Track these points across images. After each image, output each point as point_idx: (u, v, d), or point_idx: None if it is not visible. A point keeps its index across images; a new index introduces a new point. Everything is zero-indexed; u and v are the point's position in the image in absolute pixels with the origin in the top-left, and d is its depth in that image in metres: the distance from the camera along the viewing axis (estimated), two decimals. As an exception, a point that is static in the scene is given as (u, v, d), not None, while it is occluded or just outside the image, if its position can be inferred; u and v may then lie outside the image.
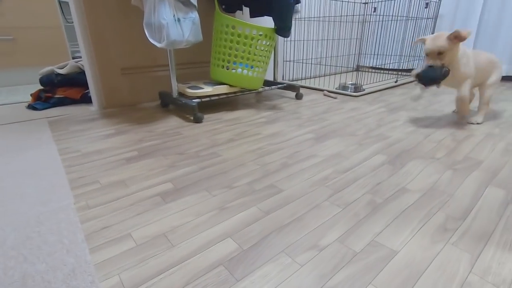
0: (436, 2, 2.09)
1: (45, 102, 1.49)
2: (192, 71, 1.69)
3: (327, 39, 2.28)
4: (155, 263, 0.47)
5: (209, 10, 1.58)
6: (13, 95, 1.82)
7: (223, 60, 1.33)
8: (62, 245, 0.50)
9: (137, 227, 0.56)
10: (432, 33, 2.14)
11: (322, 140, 0.99)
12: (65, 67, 1.54)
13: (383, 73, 2.39)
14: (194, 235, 0.53)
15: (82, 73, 1.54)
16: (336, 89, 1.81)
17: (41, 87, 1.56)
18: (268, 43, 1.34)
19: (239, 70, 1.34)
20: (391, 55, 2.34)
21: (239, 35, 1.27)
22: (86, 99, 1.55)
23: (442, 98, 1.60)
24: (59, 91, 1.52)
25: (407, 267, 0.45)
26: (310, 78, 2.29)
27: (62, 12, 2.35)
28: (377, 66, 2.51)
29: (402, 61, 2.30)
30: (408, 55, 2.32)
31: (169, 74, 1.58)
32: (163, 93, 1.43)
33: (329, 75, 2.44)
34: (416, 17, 2.15)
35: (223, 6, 1.50)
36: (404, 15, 2.15)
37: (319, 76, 2.36)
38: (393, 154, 0.88)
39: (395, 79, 2.08)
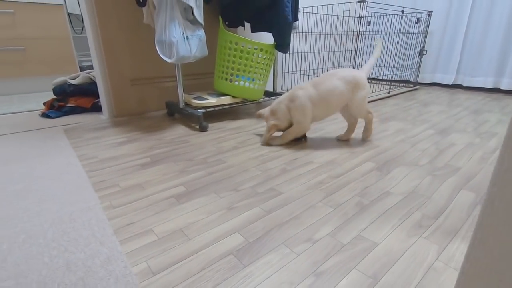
0: (426, 18, 2.22)
1: (58, 110, 1.58)
2: (196, 82, 1.79)
3: (323, 51, 2.40)
4: (175, 253, 0.56)
5: (213, 25, 1.69)
6: (25, 103, 1.91)
7: (227, 73, 1.44)
8: (95, 238, 0.59)
9: (157, 224, 0.65)
10: (422, 47, 2.26)
11: (318, 148, 1.09)
12: (77, 78, 1.64)
13: (377, 84, 2.50)
14: (207, 230, 0.63)
15: (93, 83, 1.64)
16: (332, 99, 1.91)
17: (54, 96, 1.66)
18: (268, 58, 1.45)
19: (241, 82, 1.44)
20: (384, 66, 2.46)
21: (241, 51, 1.38)
22: (96, 108, 1.64)
23: (431, 109, 1.71)
24: (71, 100, 1.62)
25: (385, 255, 0.54)
26: (308, 88, 2.40)
27: (71, 23, 2.46)
28: (371, 77, 2.63)
29: (394, 72, 2.42)
30: (400, 66, 2.44)
31: (176, 85, 1.69)
32: (169, 103, 1.52)
33: (326, 85, 2.55)
34: (408, 32, 2.28)
35: (226, 22, 1.62)
36: (397, 30, 2.27)
37: (316, 86, 2.47)
38: (381, 161, 0.98)
39: (387, 90, 2.19)
